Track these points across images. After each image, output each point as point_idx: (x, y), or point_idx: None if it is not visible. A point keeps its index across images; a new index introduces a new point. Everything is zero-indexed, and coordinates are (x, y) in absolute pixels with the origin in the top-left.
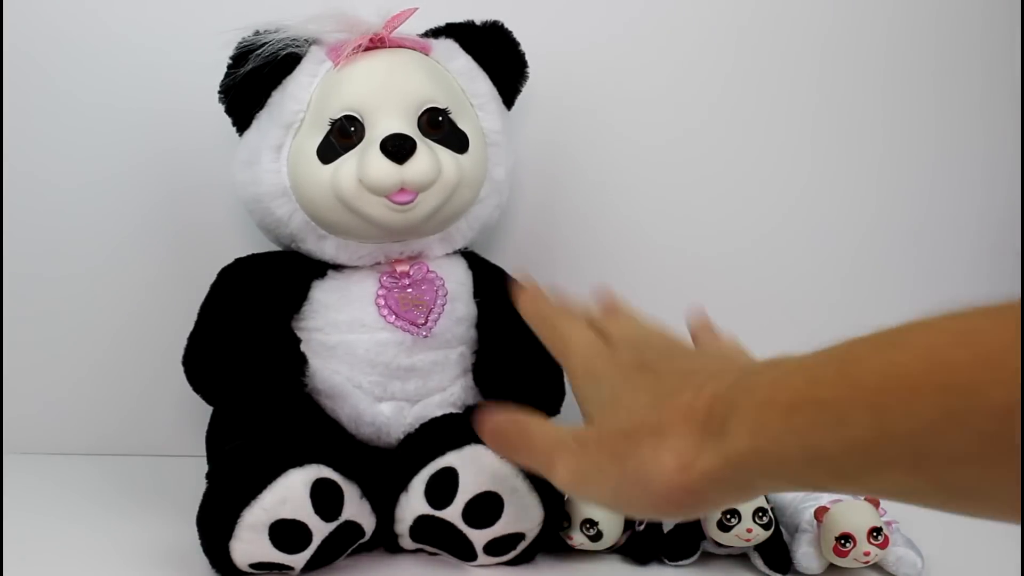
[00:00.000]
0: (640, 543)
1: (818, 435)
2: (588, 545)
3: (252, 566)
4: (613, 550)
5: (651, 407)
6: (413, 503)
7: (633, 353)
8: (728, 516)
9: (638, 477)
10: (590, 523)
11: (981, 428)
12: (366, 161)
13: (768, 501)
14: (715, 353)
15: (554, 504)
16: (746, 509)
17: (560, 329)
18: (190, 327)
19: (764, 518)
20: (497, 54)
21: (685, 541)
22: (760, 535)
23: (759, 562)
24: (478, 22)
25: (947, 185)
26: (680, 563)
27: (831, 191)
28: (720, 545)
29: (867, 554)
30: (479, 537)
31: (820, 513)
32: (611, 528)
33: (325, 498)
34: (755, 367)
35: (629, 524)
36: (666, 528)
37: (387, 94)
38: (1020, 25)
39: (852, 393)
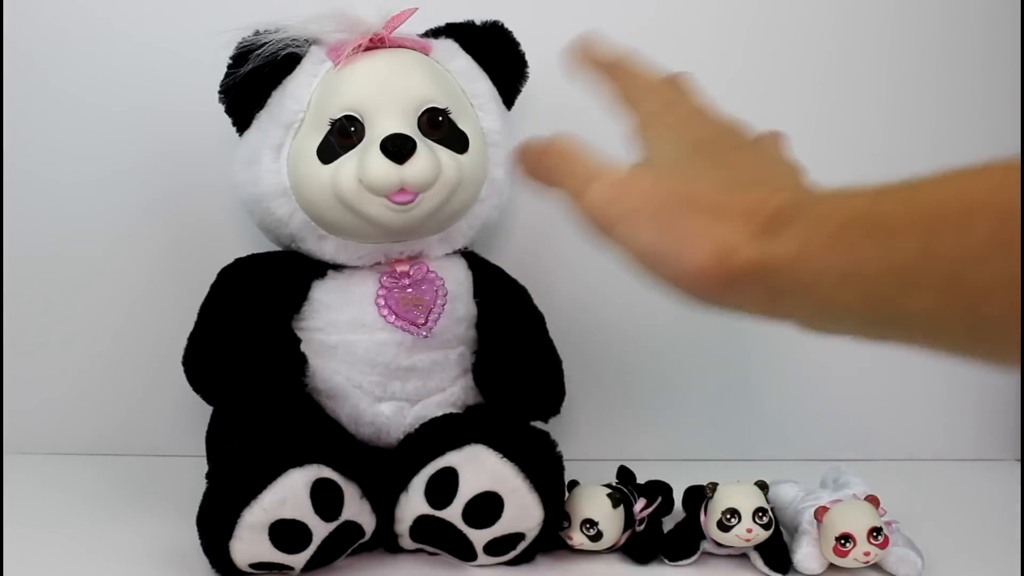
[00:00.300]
0: (640, 543)
1: (864, 251)
2: (588, 545)
3: (252, 566)
4: (613, 550)
5: (719, 188)
6: (413, 503)
7: (714, 134)
8: (728, 516)
9: (678, 244)
10: (590, 523)
11: None
12: (366, 161)
13: (768, 501)
14: (788, 166)
15: (554, 504)
16: (746, 509)
17: (635, 75)
18: (190, 327)
19: (764, 518)
20: (497, 54)
21: (685, 541)
22: (760, 535)
23: (759, 562)
24: (478, 22)
25: None
26: (680, 563)
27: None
28: (720, 545)
29: (867, 554)
30: (479, 537)
31: (820, 513)
32: (611, 528)
33: (325, 498)
34: (825, 188)
35: (629, 524)
36: (666, 528)
37: (387, 94)
38: (1020, 25)
39: (908, 213)
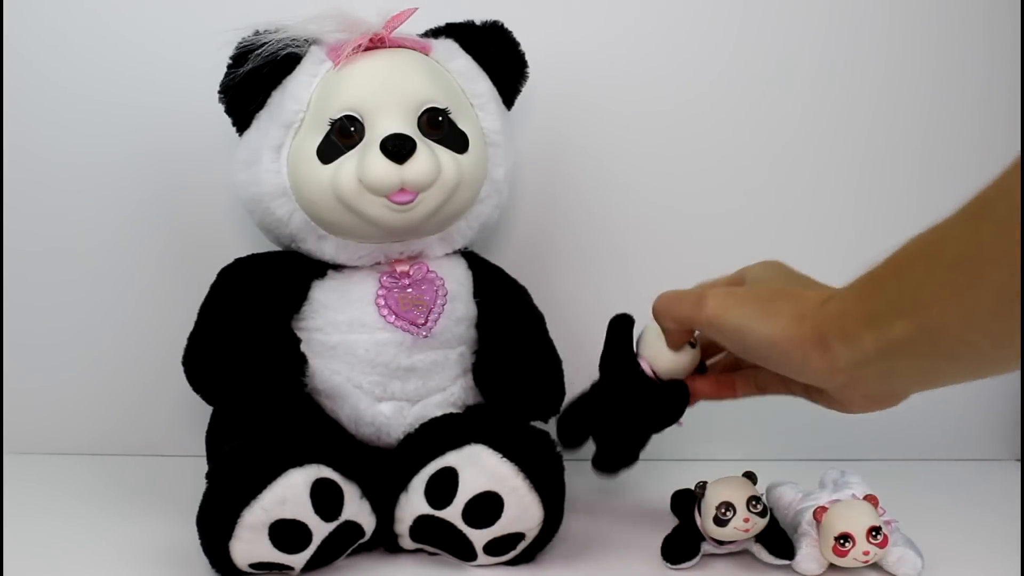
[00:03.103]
0: (774, 533)
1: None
2: (758, 523)
3: (252, 566)
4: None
5: (796, 295)
6: (413, 503)
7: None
8: (723, 510)
9: (770, 314)
10: (756, 500)
11: None
12: (366, 161)
13: (757, 490)
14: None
15: (554, 504)
16: (739, 500)
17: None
18: (190, 327)
19: (758, 506)
20: (497, 54)
21: (685, 544)
22: (757, 524)
23: (763, 553)
24: (478, 22)
25: (946, 184)
26: (681, 566)
27: (831, 188)
28: (720, 543)
29: (866, 553)
30: (479, 537)
31: (819, 513)
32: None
33: (325, 498)
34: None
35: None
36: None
37: (387, 94)
38: (1020, 24)
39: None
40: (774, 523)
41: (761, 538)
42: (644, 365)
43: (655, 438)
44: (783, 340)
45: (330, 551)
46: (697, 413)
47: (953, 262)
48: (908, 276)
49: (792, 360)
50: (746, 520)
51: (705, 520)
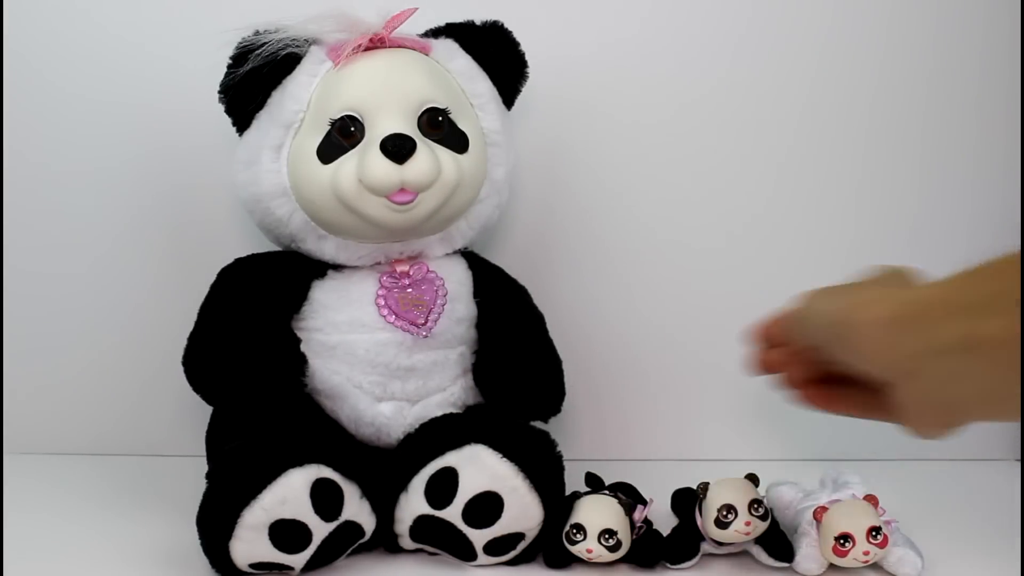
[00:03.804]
0: (644, 548)
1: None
2: (606, 556)
3: (252, 566)
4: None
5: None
6: (413, 503)
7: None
8: (724, 512)
9: (842, 294)
10: (609, 533)
11: None
12: (366, 161)
13: (759, 493)
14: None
15: (554, 504)
16: (741, 503)
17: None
18: (190, 327)
19: (760, 509)
20: (497, 54)
21: (685, 544)
22: (759, 527)
23: (762, 555)
24: (478, 22)
25: (946, 185)
26: (681, 566)
27: (833, 191)
28: (720, 544)
29: (866, 553)
30: (479, 537)
31: (819, 513)
32: (626, 536)
33: (325, 498)
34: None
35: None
36: (665, 532)
37: (387, 94)
38: (1020, 24)
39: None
40: (774, 525)
41: (761, 540)
42: None
43: (656, 437)
44: (850, 311)
45: (330, 551)
46: (697, 412)
47: None
48: (1013, 275)
49: (858, 338)
50: (747, 523)
51: (706, 521)
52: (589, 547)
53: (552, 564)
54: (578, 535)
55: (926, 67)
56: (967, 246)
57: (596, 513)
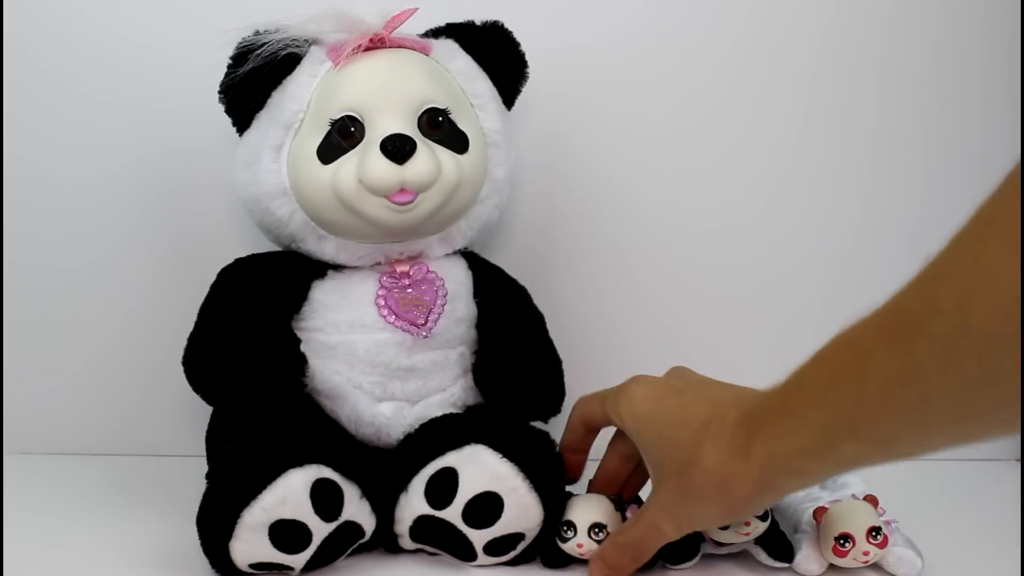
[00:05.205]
0: None
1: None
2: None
3: (252, 566)
4: None
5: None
6: (413, 503)
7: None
8: None
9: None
10: (599, 527)
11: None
12: (366, 161)
13: None
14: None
15: (554, 504)
16: None
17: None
18: (190, 327)
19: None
20: (497, 54)
21: (685, 544)
22: (759, 527)
23: (762, 555)
24: (478, 22)
25: (945, 185)
26: (681, 566)
27: (834, 186)
28: (720, 544)
29: (866, 554)
30: (479, 537)
31: (819, 513)
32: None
33: (325, 498)
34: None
35: None
36: None
37: (387, 94)
38: (1020, 24)
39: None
40: (774, 525)
41: (761, 540)
42: None
43: None
44: (623, 385)
45: (330, 551)
46: None
47: (886, 383)
48: (836, 403)
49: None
50: (747, 524)
51: None
52: (579, 542)
53: (550, 564)
54: (568, 532)
55: (926, 65)
56: None
57: (584, 509)
